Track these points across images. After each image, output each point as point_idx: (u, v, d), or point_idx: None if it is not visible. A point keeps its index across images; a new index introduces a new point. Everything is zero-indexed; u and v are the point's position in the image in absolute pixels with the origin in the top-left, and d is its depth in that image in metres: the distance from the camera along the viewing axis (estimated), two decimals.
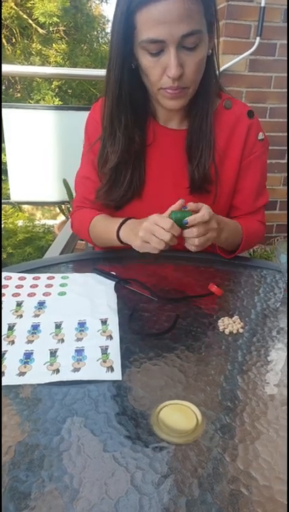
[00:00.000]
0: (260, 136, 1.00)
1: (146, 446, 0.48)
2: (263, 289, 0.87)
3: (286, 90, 2.12)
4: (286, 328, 0.73)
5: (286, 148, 2.23)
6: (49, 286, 0.84)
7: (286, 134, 2.20)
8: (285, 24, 1.99)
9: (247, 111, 0.98)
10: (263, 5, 1.87)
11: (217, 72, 0.92)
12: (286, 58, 2.05)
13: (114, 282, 0.85)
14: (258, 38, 1.93)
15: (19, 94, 5.60)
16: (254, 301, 0.82)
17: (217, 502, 0.42)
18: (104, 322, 0.72)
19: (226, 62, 1.98)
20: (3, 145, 2.37)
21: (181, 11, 0.73)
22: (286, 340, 0.70)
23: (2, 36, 5.69)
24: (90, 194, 1.02)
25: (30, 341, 0.66)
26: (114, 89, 0.86)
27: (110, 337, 0.68)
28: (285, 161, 2.25)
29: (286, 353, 0.66)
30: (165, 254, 0.87)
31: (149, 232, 0.82)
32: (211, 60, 0.88)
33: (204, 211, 0.81)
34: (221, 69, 1.96)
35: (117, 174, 0.94)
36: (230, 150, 0.98)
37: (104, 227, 0.97)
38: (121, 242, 0.93)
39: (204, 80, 0.87)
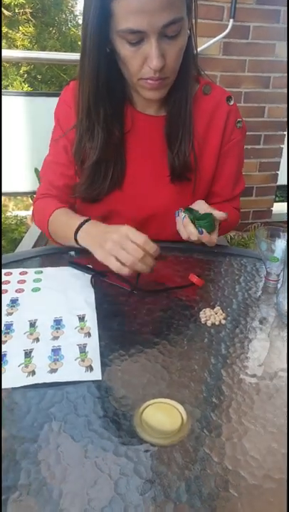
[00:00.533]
0: (239, 121, 0.97)
1: (130, 449, 0.46)
2: (244, 277, 0.86)
3: (261, 74, 2.10)
4: (271, 320, 0.72)
5: (261, 133, 2.22)
6: (22, 282, 0.80)
7: (261, 118, 2.19)
8: (259, 6, 1.96)
9: (226, 96, 0.95)
10: None
11: (196, 54, 0.88)
12: (260, 41, 2.03)
13: (90, 276, 0.81)
14: (231, 20, 1.89)
15: None
16: (235, 290, 0.80)
17: (206, 506, 0.40)
18: (81, 318, 0.68)
19: (200, 45, 1.93)
20: None
21: (162, 0, 0.67)
22: (269, 330, 0.69)
23: None
24: (58, 180, 0.95)
25: (2, 342, 0.62)
26: (92, 79, 0.79)
27: (88, 334, 0.64)
28: (261, 146, 2.25)
29: (269, 344, 0.65)
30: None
31: (118, 246, 0.71)
32: (189, 42, 0.83)
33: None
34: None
35: (97, 170, 0.88)
36: (209, 136, 0.95)
37: (63, 223, 0.88)
38: (77, 242, 0.83)
39: (183, 64, 0.82)
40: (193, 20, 0.82)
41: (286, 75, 2.13)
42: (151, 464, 0.44)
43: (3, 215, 2.98)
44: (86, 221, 0.83)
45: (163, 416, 0.49)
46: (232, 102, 0.96)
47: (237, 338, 0.66)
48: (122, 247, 0.71)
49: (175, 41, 0.74)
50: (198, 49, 1.91)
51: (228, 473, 0.43)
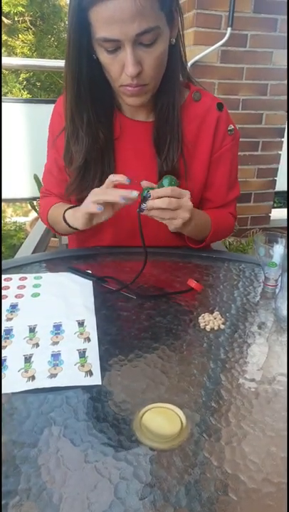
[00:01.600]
0: (230, 128, 0.98)
1: (130, 454, 0.46)
2: (242, 283, 0.86)
3: (258, 82, 2.12)
4: (269, 324, 0.72)
5: (258, 140, 2.24)
6: (21, 287, 0.80)
7: (259, 125, 2.21)
8: (256, 15, 1.98)
9: (216, 103, 0.96)
10: None
11: (185, 62, 0.89)
12: (257, 49, 2.05)
13: (90, 281, 0.82)
14: (229, 29, 1.91)
15: None
16: (234, 295, 0.81)
17: (206, 510, 0.40)
18: (81, 324, 0.69)
19: (198, 54, 1.95)
20: None
21: (133, 10, 0.68)
22: (267, 334, 0.69)
23: None
24: (53, 188, 1.03)
25: (3, 347, 0.62)
26: (73, 85, 0.82)
27: (88, 339, 0.65)
28: (259, 152, 2.26)
29: (268, 349, 0.65)
30: (142, 250, 0.84)
31: (93, 192, 0.81)
32: (175, 51, 0.84)
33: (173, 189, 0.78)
34: (193, 60, 1.95)
35: (86, 172, 0.90)
36: (199, 143, 0.96)
37: (58, 212, 0.96)
38: (67, 223, 0.91)
39: (168, 71, 0.84)
40: (180, 30, 0.83)
41: (284, 82, 2.15)
42: (150, 468, 0.44)
43: (2, 221, 2.99)
44: (73, 206, 0.92)
45: (162, 420, 0.50)
46: (223, 109, 0.97)
47: (236, 343, 0.66)
48: (94, 191, 0.81)
49: (151, 49, 0.75)
50: (197, 57, 1.94)
51: (227, 477, 0.44)
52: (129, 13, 0.68)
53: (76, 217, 0.87)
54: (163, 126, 0.90)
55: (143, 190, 0.77)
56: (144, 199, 0.77)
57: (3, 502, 0.40)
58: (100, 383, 0.56)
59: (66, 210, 0.92)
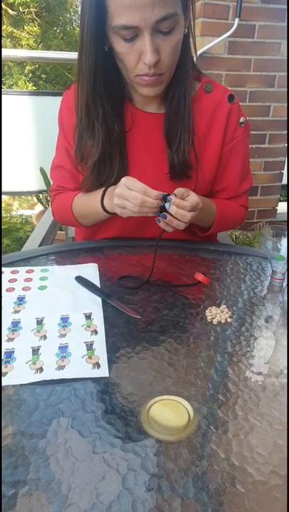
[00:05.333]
0: (242, 120, 0.98)
1: (137, 445, 0.46)
2: (249, 276, 0.86)
3: (266, 73, 2.09)
4: (276, 318, 0.72)
5: (266, 132, 2.22)
6: (28, 280, 0.80)
7: (266, 117, 2.19)
8: (265, 5, 1.96)
9: (228, 95, 0.95)
10: None
11: (194, 54, 0.89)
12: (266, 40, 2.02)
13: (97, 273, 0.82)
14: (236, 20, 1.89)
15: None
16: (241, 289, 0.80)
17: (213, 501, 0.41)
18: (88, 316, 0.69)
19: (205, 44, 1.93)
20: None
21: None
22: (274, 328, 0.69)
23: None
24: (66, 182, 1.00)
25: (10, 339, 0.63)
26: (89, 77, 0.81)
27: (95, 332, 0.65)
28: (266, 145, 2.25)
29: (275, 342, 0.65)
30: (149, 244, 0.84)
31: (122, 197, 0.79)
32: (186, 41, 0.84)
33: (192, 199, 0.79)
34: (200, 51, 1.92)
35: (101, 166, 0.90)
36: (211, 135, 0.95)
37: (87, 202, 0.94)
38: (108, 212, 0.90)
39: (180, 62, 0.83)
40: (191, 19, 0.82)
41: None
42: (158, 460, 0.45)
43: (7, 215, 2.99)
44: (106, 190, 0.90)
45: (170, 413, 0.50)
46: (234, 101, 0.96)
47: (243, 336, 0.66)
48: (124, 197, 0.78)
49: (169, 37, 0.75)
50: (204, 48, 1.92)
51: (234, 470, 0.44)
52: None
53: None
54: (174, 118, 0.90)
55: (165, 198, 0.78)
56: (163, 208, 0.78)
57: (12, 491, 0.41)
58: (107, 375, 0.56)
59: (102, 196, 0.90)
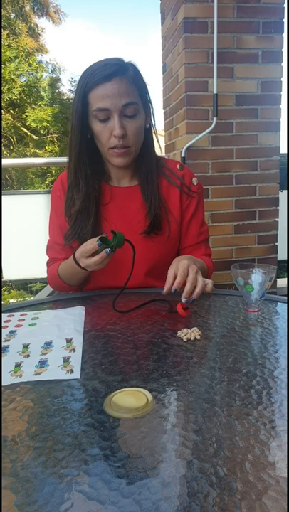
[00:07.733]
0: (194, 179, 1.20)
1: (97, 422, 0.50)
2: (224, 310, 0.92)
3: (248, 160, 2.37)
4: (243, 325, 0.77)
5: (255, 210, 2.41)
6: (21, 320, 0.89)
7: (253, 196, 2.40)
8: (238, 107, 2.31)
9: (178, 165, 1.19)
10: (215, 92, 2.20)
11: (159, 146, 1.16)
12: (243, 133, 2.33)
13: (83, 312, 0.90)
14: (214, 119, 2.22)
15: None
16: (214, 317, 0.87)
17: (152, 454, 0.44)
18: (69, 340, 0.76)
19: (191, 140, 2.24)
20: None
21: (121, 89, 0.97)
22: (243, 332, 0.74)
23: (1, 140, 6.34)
24: (58, 254, 1.18)
25: None
26: (76, 149, 1.05)
27: (73, 350, 0.72)
28: (257, 221, 2.42)
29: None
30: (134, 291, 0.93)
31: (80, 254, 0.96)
32: (150, 133, 1.12)
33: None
34: (187, 145, 2.23)
35: (82, 218, 1.08)
36: (170, 194, 1.16)
37: (66, 264, 1.08)
38: (81, 266, 1.00)
39: (145, 146, 1.09)
40: (152, 120, 1.10)
41: (272, 158, 2.39)
42: (113, 431, 0.49)
43: (22, 299, 3.14)
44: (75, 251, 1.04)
45: (130, 398, 0.55)
46: (184, 168, 1.20)
47: (210, 351, 0.71)
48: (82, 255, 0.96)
49: (133, 119, 1.02)
50: (190, 142, 2.22)
51: (189, 440, 0.47)
52: (118, 90, 0.97)
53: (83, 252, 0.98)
54: (146, 187, 1.13)
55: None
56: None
57: None
58: (78, 377, 0.62)
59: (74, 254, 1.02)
